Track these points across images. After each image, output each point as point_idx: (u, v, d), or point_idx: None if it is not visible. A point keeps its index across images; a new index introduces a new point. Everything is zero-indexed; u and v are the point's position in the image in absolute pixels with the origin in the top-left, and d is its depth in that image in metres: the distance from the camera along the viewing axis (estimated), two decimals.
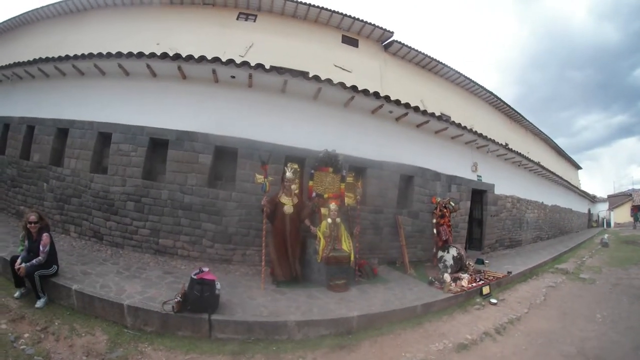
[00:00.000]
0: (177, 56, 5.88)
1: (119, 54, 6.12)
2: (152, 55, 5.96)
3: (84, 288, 4.00)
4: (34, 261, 3.93)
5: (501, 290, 6.63)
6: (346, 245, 5.82)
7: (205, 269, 4.14)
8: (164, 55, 5.91)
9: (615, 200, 37.62)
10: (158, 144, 6.44)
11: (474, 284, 6.27)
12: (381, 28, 12.12)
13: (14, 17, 12.84)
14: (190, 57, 5.84)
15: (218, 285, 4.01)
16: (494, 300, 5.83)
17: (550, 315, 5.38)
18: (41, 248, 4.02)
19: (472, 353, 3.95)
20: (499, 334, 4.53)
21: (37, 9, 12.25)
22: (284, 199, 5.71)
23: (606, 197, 39.62)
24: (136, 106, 6.59)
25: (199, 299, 3.82)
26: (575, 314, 5.45)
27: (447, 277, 6.18)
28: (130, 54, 6.06)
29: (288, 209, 5.66)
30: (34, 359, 2.98)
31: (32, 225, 4.08)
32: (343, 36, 12.33)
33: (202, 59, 5.82)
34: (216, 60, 5.83)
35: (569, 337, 4.50)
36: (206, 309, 3.83)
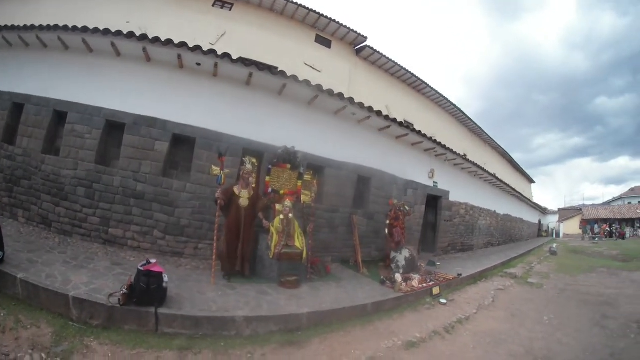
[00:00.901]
0: (143, 37, 5.63)
1: (85, 29, 5.77)
2: (119, 33, 5.66)
3: (29, 277, 3.75)
4: None
5: (451, 291, 6.82)
6: (299, 242, 5.84)
7: (153, 261, 3.99)
8: (130, 35, 5.64)
9: (566, 213, 40.55)
10: (114, 127, 6.12)
11: (424, 285, 6.45)
12: (355, 32, 12.25)
13: None
14: (156, 39, 5.60)
15: (166, 278, 3.87)
16: (443, 301, 5.99)
17: (498, 317, 5.53)
18: None
19: (421, 351, 4.01)
20: (448, 333, 4.61)
21: None
22: (240, 191, 5.60)
23: (557, 209, 42.57)
24: (96, 85, 6.22)
25: (146, 292, 3.67)
26: (523, 316, 5.62)
27: (398, 277, 6.28)
28: (96, 30, 5.72)
29: (243, 201, 5.55)
30: None
31: None
32: (317, 36, 12.36)
33: (168, 42, 5.61)
34: (183, 45, 5.64)
35: (517, 337, 4.63)
36: (153, 302, 3.68)
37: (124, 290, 3.63)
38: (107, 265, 4.82)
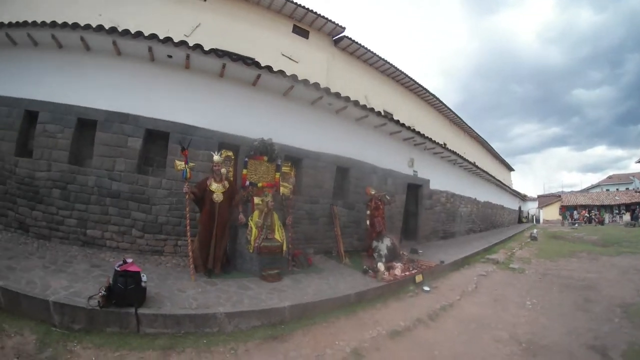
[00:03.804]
0: (112, 30, 5.44)
1: (54, 24, 5.53)
2: (87, 27, 5.45)
3: (9, 285, 3.64)
4: None
5: (434, 278, 6.82)
6: (279, 234, 5.78)
7: (129, 260, 3.91)
8: (99, 28, 5.45)
9: (545, 200, 41.80)
10: (86, 125, 5.91)
11: (407, 273, 6.46)
12: (333, 22, 12.12)
13: None
14: (126, 32, 5.43)
15: (144, 277, 3.79)
16: (426, 288, 6.02)
17: (481, 302, 5.57)
18: None
19: (405, 339, 4.02)
20: (432, 320, 4.63)
21: None
22: (214, 185, 5.41)
23: (536, 196, 43.80)
24: (66, 82, 5.99)
25: (124, 292, 3.59)
26: (506, 301, 5.66)
27: (380, 266, 6.30)
28: (65, 25, 5.50)
29: (217, 196, 5.38)
30: None
31: None
32: (294, 26, 12.16)
33: (138, 34, 5.43)
34: (153, 37, 5.47)
35: (501, 322, 4.66)
36: (132, 302, 3.60)
37: (103, 292, 3.55)
38: (86, 268, 4.70)
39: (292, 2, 11.33)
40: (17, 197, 5.82)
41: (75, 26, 5.47)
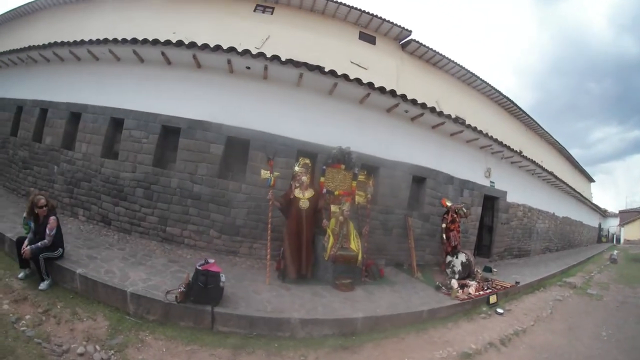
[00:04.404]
0: (192, 44, 5.86)
1: (134, 40, 6.12)
2: (168, 42, 5.95)
3: (88, 272, 3.99)
4: (39, 243, 3.94)
5: (508, 300, 6.50)
6: (354, 244, 5.76)
7: (211, 260, 4.11)
8: (179, 43, 5.90)
9: (627, 216, 36.76)
10: (170, 132, 6.44)
11: (481, 292, 6.15)
12: (399, 26, 11.92)
13: (31, 2, 12.81)
14: (205, 46, 5.81)
15: (223, 278, 3.96)
16: (500, 310, 5.71)
17: (556, 329, 5.27)
18: (47, 231, 4.03)
19: None
20: (504, 346, 4.44)
21: None
22: (298, 193, 5.63)
23: (617, 212, 38.74)
24: (149, 93, 6.61)
25: (203, 291, 3.78)
26: (581, 330, 5.34)
27: (454, 283, 6.08)
28: (145, 41, 6.06)
29: (304, 203, 5.58)
30: (33, 342, 2.95)
31: (42, 209, 4.09)
32: (360, 32, 12.15)
33: (217, 48, 5.79)
34: (232, 50, 5.78)
35: (574, 353, 4.40)
36: (209, 300, 3.79)
37: (182, 288, 3.76)
38: (164, 263, 5.03)
39: (356, 8, 11.36)
40: (101, 193, 6.48)
41: (155, 42, 5.99)
